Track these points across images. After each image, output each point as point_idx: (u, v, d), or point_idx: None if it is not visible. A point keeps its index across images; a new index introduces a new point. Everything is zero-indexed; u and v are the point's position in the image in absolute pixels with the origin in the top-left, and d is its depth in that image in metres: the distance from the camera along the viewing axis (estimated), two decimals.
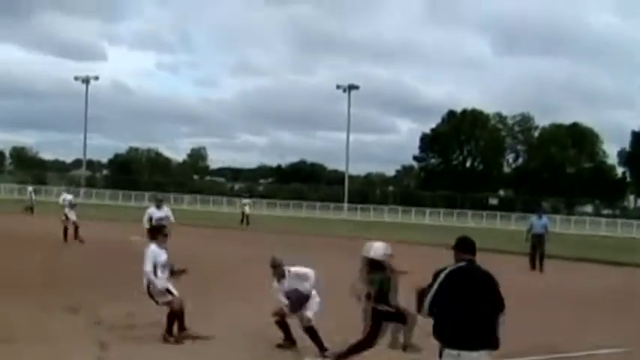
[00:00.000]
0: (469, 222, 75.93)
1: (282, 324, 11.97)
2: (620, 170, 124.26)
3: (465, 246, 7.43)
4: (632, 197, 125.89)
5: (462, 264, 7.27)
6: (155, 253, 12.19)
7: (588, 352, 12.64)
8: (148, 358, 10.89)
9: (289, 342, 11.98)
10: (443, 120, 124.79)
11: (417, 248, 37.15)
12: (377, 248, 10.87)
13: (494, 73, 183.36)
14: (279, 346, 11.92)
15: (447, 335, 6.94)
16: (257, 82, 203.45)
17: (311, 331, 11.61)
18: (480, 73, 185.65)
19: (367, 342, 10.45)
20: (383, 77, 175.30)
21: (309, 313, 11.68)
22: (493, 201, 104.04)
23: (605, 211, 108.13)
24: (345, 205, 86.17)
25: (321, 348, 11.42)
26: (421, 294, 7.27)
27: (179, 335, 12.04)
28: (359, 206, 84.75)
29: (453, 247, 7.48)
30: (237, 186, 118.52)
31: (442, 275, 7.16)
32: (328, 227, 51.88)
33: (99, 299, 15.26)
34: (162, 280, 12.10)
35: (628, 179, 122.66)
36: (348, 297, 10.68)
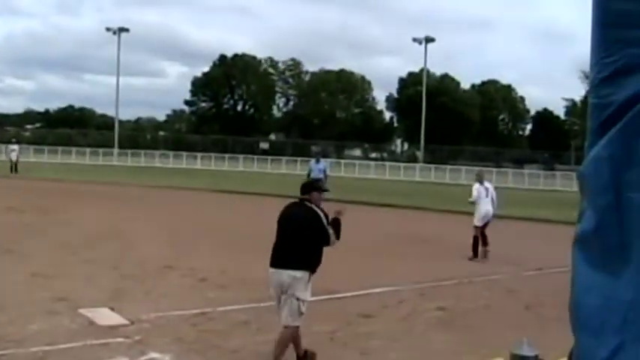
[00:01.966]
0: (240, 166, 76.41)
1: None
2: (388, 115, 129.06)
3: (301, 188, 9.11)
4: (399, 141, 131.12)
5: (294, 201, 9.02)
6: None
7: (363, 291, 13.14)
8: None
9: None
10: (214, 64, 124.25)
11: (189, 193, 37.11)
12: None
13: (264, 19, 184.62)
14: None
15: (271, 255, 8.58)
16: (21, 23, 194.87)
17: None
18: (250, 19, 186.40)
19: None
20: (150, 21, 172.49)
21: None
22: (264, 145, 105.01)
23: (374, 155, 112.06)
24: (115, 150, 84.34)
25: None
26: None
27: None
28: (129, 152, 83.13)
29: None
30: (2, 132, 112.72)
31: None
32: (98, 174, 50.70)
33: None
34: None
35: (395, 124, 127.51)
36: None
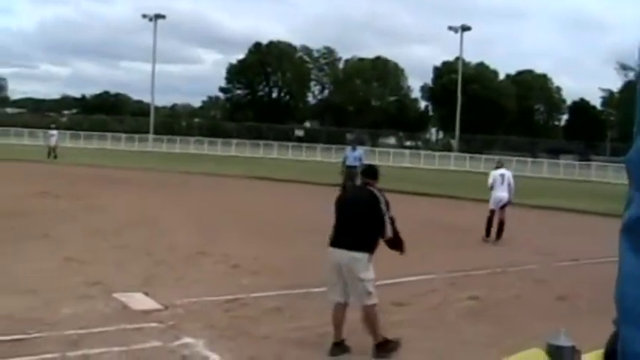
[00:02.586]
0: (275, 153, 76.45)
1: None
2: (423, 104, 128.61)
3: (364, 172, 9.65)
4: (433, 130, 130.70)
5: (356, 184, 9.54)
6: None
7: (395, 280, 13.09)
8: None
9: None
10: (249, 51, 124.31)
11: (223, 180, 37.24)
12: None
13: (297, 6, 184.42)
14: None
15: (331, 235, 8.87)
16: (56, 10, 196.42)
17: None
18: (282, 6, 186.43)
19: None
20: (183, 8, 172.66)
21: None
22: (299, 132, 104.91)
23: (408, 143, 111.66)
24: (151, 136, 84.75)
25: None
26: None
27: None
28: (165, 138, 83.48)
29: None
30: (40, 118, 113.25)
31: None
32: (133, 160, 50.99)
33: None
34: None
35: (430, 113, 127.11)
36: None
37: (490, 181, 20.36)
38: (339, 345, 8.70)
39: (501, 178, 20.04)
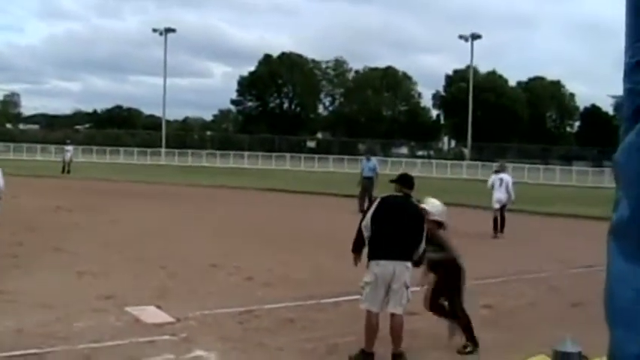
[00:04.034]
0: (287, 165, 76.52)
1: None
2: (434, 113, 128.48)
3: (403, 181, 9.40)
4: (446, 139, 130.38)
5: (397, 194, 9.22)
6: None
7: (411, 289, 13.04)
8: None
9: None
10: (260, 63, 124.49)
11: (235, 192, 37.24)
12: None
13: (305, 18, 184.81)
14: None
15: (379, 246, 8.73)
16: (65, 26, 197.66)
17: None
18: (291, 18, 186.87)
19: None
20: (191, 22, 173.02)
21: None
22: (311, 144, 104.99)
23: (420, 153, 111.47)
24: (163, 150, 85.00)
25: None
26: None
27: None
28: (177, 151, 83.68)
29: (395, 181, 9.42)
30: (51, 133, 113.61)
31: (379, 200, 9.13)
32: (146, 173, 51.07)
33: None
34: None
35: (442, 121, 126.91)
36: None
37: (489, 183, 23.15)
38: (371, 356, 8.70)
39: (500, 182, 22.56)
